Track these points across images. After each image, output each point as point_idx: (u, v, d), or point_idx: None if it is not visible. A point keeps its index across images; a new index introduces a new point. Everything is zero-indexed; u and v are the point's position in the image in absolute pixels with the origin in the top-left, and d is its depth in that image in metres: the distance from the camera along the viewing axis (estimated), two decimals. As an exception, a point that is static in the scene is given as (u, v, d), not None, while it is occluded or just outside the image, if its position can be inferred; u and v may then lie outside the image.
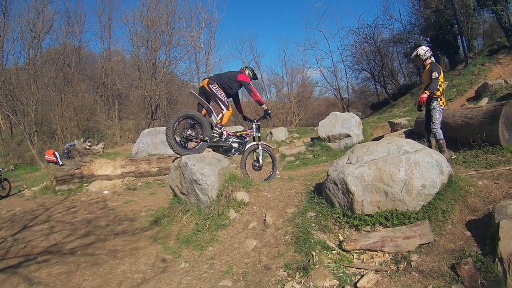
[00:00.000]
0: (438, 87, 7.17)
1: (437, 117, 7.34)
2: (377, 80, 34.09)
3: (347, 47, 36.08)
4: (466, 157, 7.02)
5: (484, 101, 13.31)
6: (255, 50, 56.37)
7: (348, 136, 13.00)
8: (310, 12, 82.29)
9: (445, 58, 27.26)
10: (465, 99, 15.47)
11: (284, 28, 74.31)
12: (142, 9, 29.70)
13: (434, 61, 7.55)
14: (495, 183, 5.06)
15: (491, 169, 5.85)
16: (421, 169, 4.62)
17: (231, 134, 7.48)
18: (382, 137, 11.29)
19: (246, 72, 7.70)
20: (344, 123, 13.24)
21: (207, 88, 7.12)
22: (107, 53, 35.15)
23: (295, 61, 52.23)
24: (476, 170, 6.02)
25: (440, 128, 7.40)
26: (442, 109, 7.41)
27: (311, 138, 14.19)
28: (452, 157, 7.24)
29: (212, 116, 7.28)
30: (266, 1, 77.22)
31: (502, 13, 20.91)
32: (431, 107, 7.36)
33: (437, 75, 7.17)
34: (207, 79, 7.27)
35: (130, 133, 28.92)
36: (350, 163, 5.10)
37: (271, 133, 16.97)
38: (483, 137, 6.96)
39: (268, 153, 8.00)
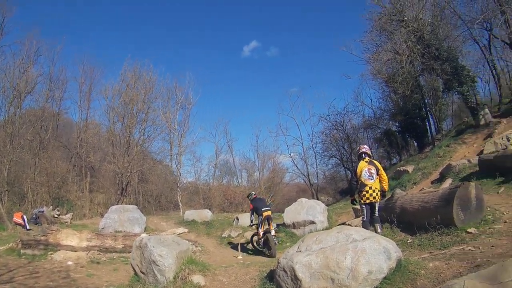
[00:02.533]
0: (358, 186, 8.13)
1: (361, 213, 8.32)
2: (346, 166, 34.85)
3: (317, 134, 36.96)
4: (422, 240, 7.28)
5: (447, 182, 13.55)
6: (229, 134, 57.17)
7: (313, 223, 13.14)
8: (284, 98, 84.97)
9: (414, 141, 28.26)
10: (429, 182, 15.82)
11: (258, 113, 76.80)
12: (121, 85, 30.14)
13: (361, 160, 8.29)
14: (446, 263, 5.23)
15: (444, 250, 6.07)
16: (367, 256, 4.82)
17: None
18: (344, 223, 11.68)
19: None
20: (309, 210, 13.46)
21: (271, 216, 11.86)
22: (84, 124, 35.07)
23: (267, 147, 52.52)
24: (430, 252, 6.26)
25: (365, 221, 8.08)
26: (362, 204, 8.06)
27: (277, 224, 14.13)
28: (408, 241, 7.50)
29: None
30: (242, 86, 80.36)
31: (468, 93, 21.82)
32: None
33: (351, 177, 8.63)
34: (270, 211, 11.94)
35: (99, 206, 28.43)
36: (300, 251, 5.30)
37: (237, 218, 17.06)
38: (438, 219, 7.22)
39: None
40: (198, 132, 46.59)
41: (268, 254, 11.04)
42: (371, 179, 7.96)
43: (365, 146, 8.65)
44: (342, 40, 68.19)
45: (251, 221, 12.36)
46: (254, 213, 12.09)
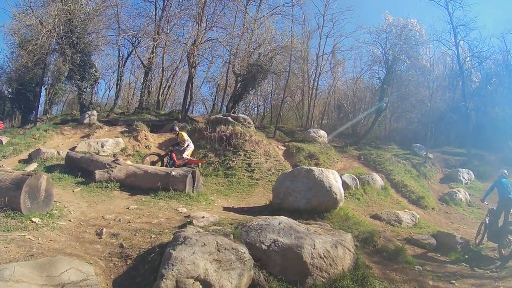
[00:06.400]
0: None
1: None
2: None
3: None
4: (-13, 218, 7.09)
5: (33, 166, 13.46)
6: None
7: None
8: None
9: (19, 114, 26.84)
10: (18, 159, 15.40)
11: None
12: None
13: None
14: (5, 247, 5.49)
15: (6, 234, 6.08)
16: None
17: None
18: None
19: None
20: None
21: None
22: None
23: None
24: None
25: None
26: None
27: None
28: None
29: None
30: None
31: (85, 90, 23.22)
32: None
33: None
34: None
35: None
36: None
37: None
38: (7, 201, 7.11)
39: None
40: None
41: None
42: None
43: None
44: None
45: None
46: None
